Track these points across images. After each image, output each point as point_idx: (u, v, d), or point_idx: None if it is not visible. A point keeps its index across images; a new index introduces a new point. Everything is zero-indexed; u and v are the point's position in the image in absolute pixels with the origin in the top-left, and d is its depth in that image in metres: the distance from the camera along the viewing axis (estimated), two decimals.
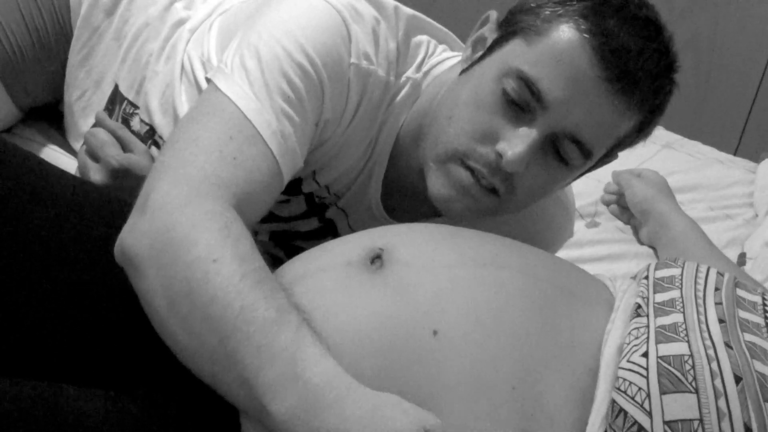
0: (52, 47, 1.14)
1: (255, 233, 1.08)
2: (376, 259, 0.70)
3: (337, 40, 0.84)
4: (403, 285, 0.68)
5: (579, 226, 1.45)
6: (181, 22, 1.08)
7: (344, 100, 0.87)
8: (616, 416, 0.60)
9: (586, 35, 0.79)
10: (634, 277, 0.79)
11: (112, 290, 0.72)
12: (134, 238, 0.70)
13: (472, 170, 0.84)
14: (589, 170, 0.92)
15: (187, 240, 0.68)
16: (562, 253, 1.28)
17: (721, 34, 2.36)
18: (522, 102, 0.81)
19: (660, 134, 1.84)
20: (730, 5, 2.32)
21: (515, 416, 0.61)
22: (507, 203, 0.87)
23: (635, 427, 0.59)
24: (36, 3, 1.12)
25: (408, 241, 0.74)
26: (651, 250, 1.42)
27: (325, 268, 0.72)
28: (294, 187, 0.97)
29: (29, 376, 0.66)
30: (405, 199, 0.99)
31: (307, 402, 0.60)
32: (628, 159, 1.50)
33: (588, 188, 1.53)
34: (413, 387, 0.62)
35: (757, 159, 1.82)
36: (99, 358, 0.71)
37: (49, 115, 1.23)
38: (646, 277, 0.72)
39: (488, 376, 0.63)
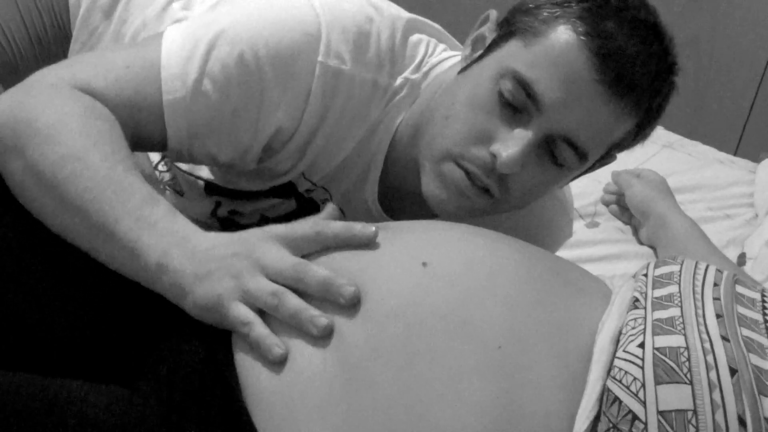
0: (51, 48, 1.14)
1: None
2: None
3: (300, 38, 0.85)
4: (397, 232, 0.71)
5: (579, 226, 1.45)
6: (178, 22, 1.08)
7: (303, 97, 0.87)
8: (611, 404, 0.60)
9: (583, 37, 0.79)
10: (633, 276, 0.79)
11: (114, 283, 0.72)
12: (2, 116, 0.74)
13: (466, 171, 0.84)
14: (588, 171, 0.92)
15: (52, 134, 0.73)
16: (562, 254, 1.28)
17: (721, 34, 2.36)
18: (517, 103, 0.81)
19: (660, 134, 1.84)
20: (730, 5, 2.33)
21: (499, 373, 0.61)
22: (501, 204, 0.88)
23: (629, 416, 0.59)
24: (35, 3, 1.12)
25: (410, 223, 0.77)
26: (651, 250, 1.43)
27: None
28: (286, 189, 0.97)
29: (30, 371, 0.67)
30: (403, 200, 0.99)
31: (182, 240, 0.69)
32: (628, 159, 1.51)
33: (588, 188, 1.53)
34: (396, 314, 0.64)
35: (757, 159, 1.81)
36: (101, 351, 0.71)
37: None
38: (645, 274, 0.72)
39: (475, 324, 0.63)
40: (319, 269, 0.67)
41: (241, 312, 0.67)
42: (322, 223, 0.71)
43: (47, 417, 0.62)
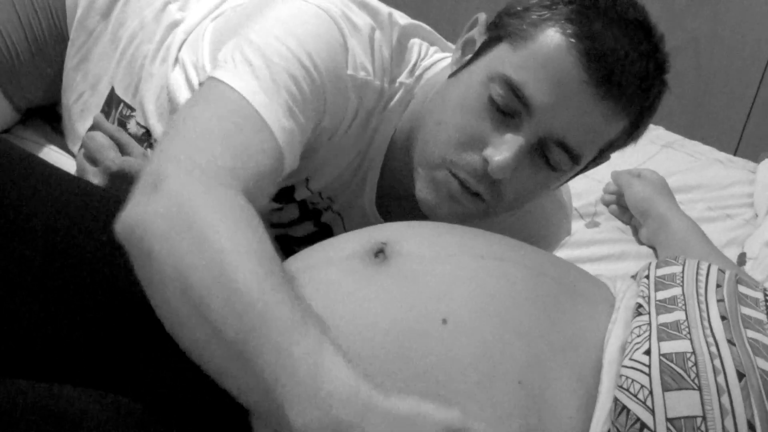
0: (48, 49, 1.14)
1: None
2: (380, 253, 0.70)
3: (337, 51, 0.84)
4: (409, 274, 0.68)
5: (579, 226, 1.45)
6: (175, 24, 1.08)
7: (343, 111, 0.87)
8: (619, 414, 0.60)
9: (572, 39, 0.79)
10: (634, 276, 0.79)
11: (113, 289, 0.72)
12: (147, 215, 0.66)
13: (459, 179, 0.84)
14: (581, 172, 0.91)
15: (210, 228, 0.65)
16: (562, 253, 1.28)
17: (721, 34, 2.36)
18: (508, 108, 0.81)
19: (660, 134, 1.84)
20: (730, 5, 2.32)
21: (520, 410, 0.61)
22: (494, 208, 0.87)
23: (638, 425, 0.58)
24: (32, 5, 1.12)
25: (409, 234, 0.74)
26: (651, 250, 1.43)
27: (329, 261, 0.72)
28: (286, 194, 0.97)
29: (29, 376, 0.66)
30: (400, 203, 0.99)
31: (329, 417, 0.57)
32: (628, 159, 1.51)
33: (588, 188, 1.53)
34: (423, 374, 0.62)
35: (757, 159, 1.81)
36: (99, 357, 0.71)
37: (47, 116, 1.23)
38: (647, 276, 0.72)
39: (496, 367, 0.63)
40: None
41: None
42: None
43: (45, 423, 0.62)
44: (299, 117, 0.81)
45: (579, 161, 0.84)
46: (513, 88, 0.80)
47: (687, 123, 2.10)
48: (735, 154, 2.00)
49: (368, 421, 0.57)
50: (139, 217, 0.67)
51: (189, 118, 0.77)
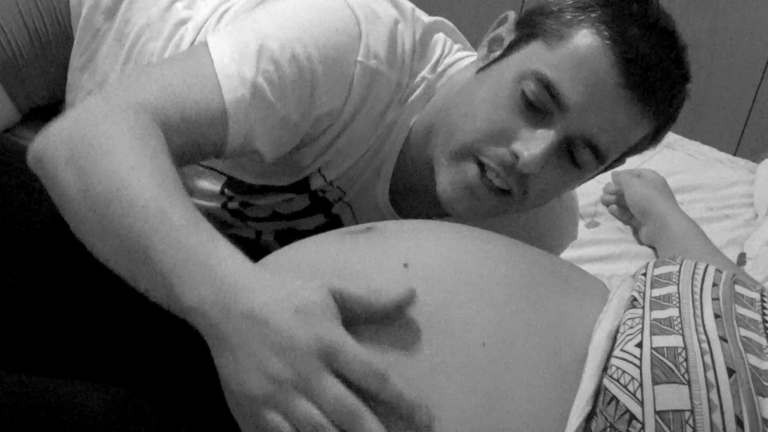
0: (51, 48, 1.14)
1: (259, 233, 1.09)
2: (367, 230, 0.72)
3: (344, 38, 0.85)
4: (388, 235, 0.70)
5: (579, 226, 1.45)
6: (182, 22, 1.08)
7: (344, 96, 0.87)
8: (608, 404, 0.60)
9: (607, 42, 0.80)
10: (633, 276, 0.79)
11: (112, 285, 0.72)
12: (52, 144, 0.72)
13: (483, 167, 0.84)
14: (597, 174, 0.92)
15: (106, 149, 0.69)
16: (562, 253, 1.28)
17: (721, 34, 2.36)
18: (541, 104, 0.82)
19: None
20: (730, 5, 2.33)
21: (484, 371, 0.61)
22: (517, 204, 0.88)
23: (627, 415, 0.59)
24: (36, 4, 1.12)
25: (400, 223, 0.76)
26: (651, 250, 1.43)
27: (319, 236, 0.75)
28: (300, 185, 0.98)
29: (30, 370, 0.67)
30: (414, 199, 0.99)
31: (221, 290, 0.60)
32: (628, 159, 1.50)
33: (588, 188, 1.52)
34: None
35: (757, 159, 1.81)
36: (101, 351, 0.71)
37: (49, 115, 1.23)
38: (644, 274, 0.72)
39: (456, 320, 0.63)
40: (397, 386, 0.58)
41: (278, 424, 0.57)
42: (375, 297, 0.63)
43: (47, 417, 0.62)
44: (269, 97, 0.82)
45: (604, 161, 0.86)
46: (547, 86, 0.81)
47: (687, 123, 2.09)
48: (735, 154, 2.00)
49: (255, 287, 0.60)
50: (44, 146, 0.72)
51: (155, 67, 0.83)
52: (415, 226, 0.75)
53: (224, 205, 1.04)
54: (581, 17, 0.83)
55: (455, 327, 0.63)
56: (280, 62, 0.82)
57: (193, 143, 0.80)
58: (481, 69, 0.89)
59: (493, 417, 0.60)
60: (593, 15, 0.82)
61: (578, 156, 0.84)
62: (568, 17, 0.83)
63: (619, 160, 0.91)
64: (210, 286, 0.60)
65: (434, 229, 0.74)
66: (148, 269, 0.63)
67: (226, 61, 0.81)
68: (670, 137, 1.84)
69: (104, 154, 0.69)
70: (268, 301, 0.59)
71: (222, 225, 1.08)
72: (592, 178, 0.93)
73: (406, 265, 0.66)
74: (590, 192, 1.53)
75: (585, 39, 0.81)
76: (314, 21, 0.85)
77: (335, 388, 0.56)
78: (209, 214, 1.00)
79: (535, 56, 0.83)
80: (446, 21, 0.99)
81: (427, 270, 0.66)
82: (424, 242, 0.71)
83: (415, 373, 0.60)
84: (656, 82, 0.81)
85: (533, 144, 0.82)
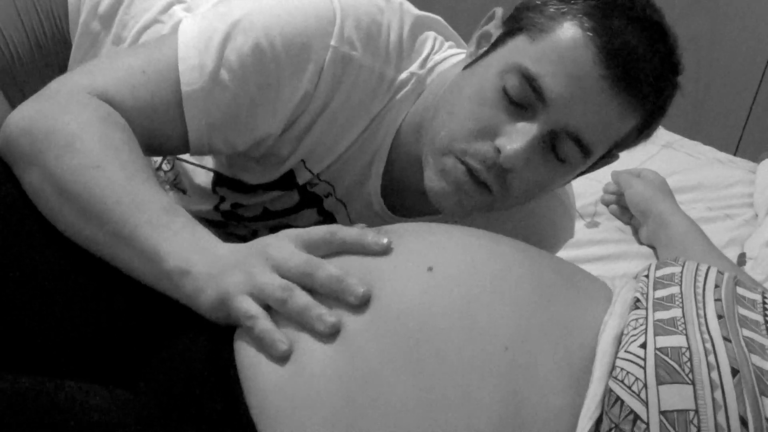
0: (50, 52, 1.14)
1: (255, 232, 1.09)
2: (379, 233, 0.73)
3: (315, 23, 0.86)
4: (401, 235, 0.71)
5: (579, 226, 1.45)
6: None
7: (314, 80, 0.87)
8: (613, 405, 0.60)
9: (590, 33, 0.80)
10: (635, 277, 0.79)
11: (113, 284, 0.72)
12: (17, 131, 0.75)
13: (468, 167, 0.84)
14: (589, 170, 0.92)
15: (68, 147, 0.73)
16: (562, 253, 1.28)
17: (721, 34, 2.36)
18: (522, 98, 0.81)
19: (660, 134, 1.84)
20: (730, 5, 2.33)
21: (507, 375, 0.61)
22: (502, 200, 0.88)
23: (631, 416, 0.59)
24: (35, 8, 1.12)
25: (411, 226, 0.77)
26: (651, 250, 1.43)
27: None
28: (286, 181, 0.98)
29: (31, 372, 0.67)
30: (406, 196, 0.99)
31: (214, 265, 0.69)
32: (628, 159, 1.50)
33: (588, 188, 1.53)
34: (409, 314, 0.64)
35: (757, 159, 1.81)
36: (102, 352, 0.71)
37: None
38: (646, 276, 0.72)
39: (482, 322, 0.64)
40: (330, 266, 0.67)
41: (247, 306, 0.67)
42: (337, 227, 0.71)
43: (48, 419, 0.62)
44: (228, 86, 0.84)
45: (590, 155, 0.85)
46: (529, 80, 0.81)
47: (687, 123, 2.10)
48: (735, 154, 2.00)
49: (268, 246, 0.70)
50: (2, 138, 0.76)
51: (122, 54, 0.89)
52: (427, 229, 0.75)
53: (216, 207, 1.05)
54: (564, 10, 0.82)
55: (480, 330, 0.63)
56: (243, 51, 0.84)
57: (151, 133, 0.83)
58: (468, 65, 0.89)
59: (514, 419, 0.60)
60: (576, 7, 0.82)
61: (562, 150, 0.83)
62: (552, 10, 0.83)
63: (611, 155, 0.90)
64: (191, 245, 0.70)
65: (447, 232, 0.74)
66: (131, 251, 0.70)
67: (191, 51, 0.84)
68: (670, 137, 1.84)
69: (69, 149, 0.72)
70: (240, 248, 0.70)
71: (217, 224, 1.08)
72: (583, 173, 0.92)
73: (430, 269, 0.66)
74: (590, 192, 1.53)
75: (567, 31, 0.81)
76: (289, 8, 0.86)
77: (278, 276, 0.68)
78: (205, 219, 1.00)
79: (517, 50, 0.83)
80: (438, 18, 0.99)
81: (450, 272, 0.67)
82: (442, 244, 0.71)
83: (441, 375, 0.61)
84: (641, 73, 0.80)
85: (515, 138, 0.81)
